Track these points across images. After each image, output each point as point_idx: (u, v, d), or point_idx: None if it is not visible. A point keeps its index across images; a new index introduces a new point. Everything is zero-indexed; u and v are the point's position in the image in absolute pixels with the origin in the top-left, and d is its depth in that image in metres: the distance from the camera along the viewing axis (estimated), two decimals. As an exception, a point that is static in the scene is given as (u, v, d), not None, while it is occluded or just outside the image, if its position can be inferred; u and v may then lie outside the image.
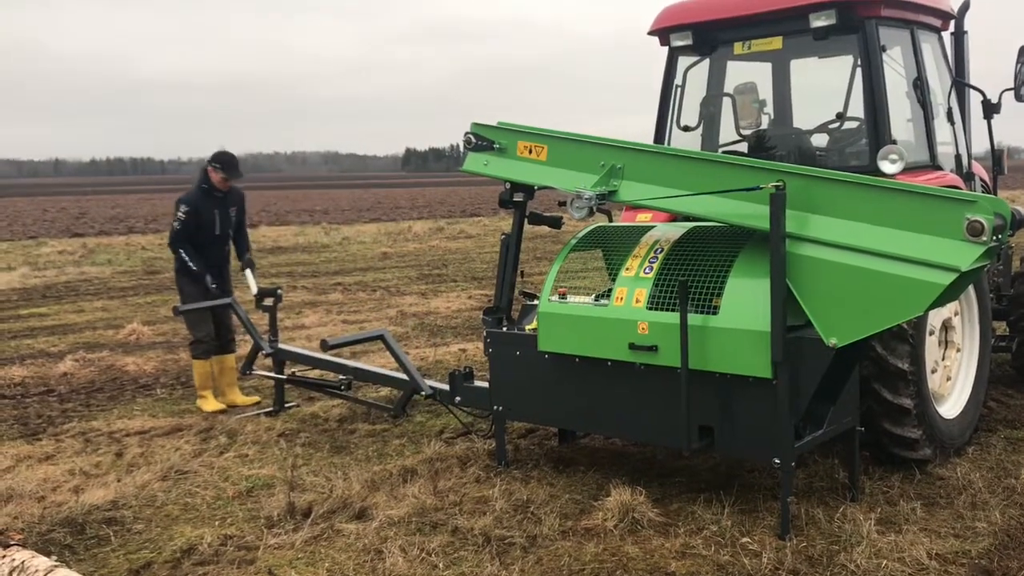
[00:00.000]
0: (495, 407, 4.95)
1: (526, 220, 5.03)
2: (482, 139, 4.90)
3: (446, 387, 5.44)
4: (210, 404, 6.52)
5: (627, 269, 4.41)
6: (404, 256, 17.81)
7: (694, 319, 4.05)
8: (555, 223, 5.16)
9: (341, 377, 6.11)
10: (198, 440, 5.79)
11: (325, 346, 5.84)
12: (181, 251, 6.45)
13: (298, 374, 6.47)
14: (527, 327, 4.88)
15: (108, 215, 34.96)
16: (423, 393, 5.60)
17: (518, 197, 4.92)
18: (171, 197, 52.39)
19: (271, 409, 6.47)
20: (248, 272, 6.72)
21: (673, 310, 4.16)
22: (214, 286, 6.49)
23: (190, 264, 6.45)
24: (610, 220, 5.22)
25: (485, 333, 4.94)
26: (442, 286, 13.18)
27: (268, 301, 6.55)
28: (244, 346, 7.75)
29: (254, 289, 6.59)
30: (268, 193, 57.77)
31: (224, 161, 6.49)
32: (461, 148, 5.13)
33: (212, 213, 6.49)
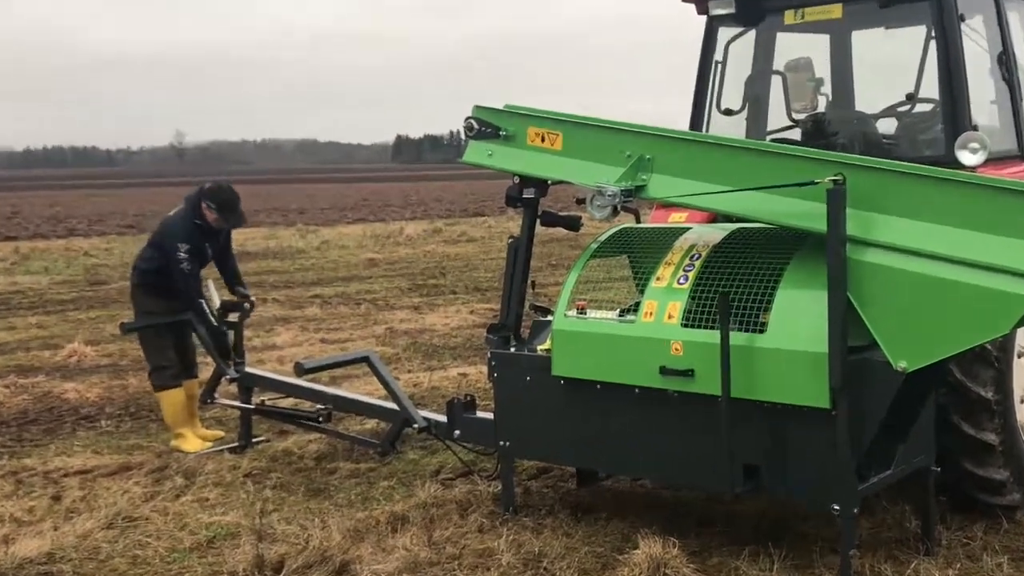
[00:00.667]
0: (501, 442, 4.96)
1: (538, 221, 5.04)
2: (486, 125, 4.91)
3: (443, 419, 5.45)
4: (191, 442, 6.51)
5: (658, 279, 4.42)
6: (394, 263, 17.88)
7: (737, 338, 4.05)
8: (572, 224, 5.18)
9: (319, 407, 6.13)
10: (150, 481, 5.81)
11: (300, 370, 5.86)
12: (201, 302, 6.43)
13: (268, 403, 6.50)
14: (539, 347, 4.89)
15: (45, 215, 35.19)
16: (416, 426, 5.61)
17: (528, 193, 4.94)
18: (119, 194, 52.73)
19: (236, 444, 6.49)
20: (210, 283, 6.76)
21: (712, 327, 4.16)
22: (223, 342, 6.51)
23: (210, 319, 6.44)
24: (638, 221, 5.23)
25: (489, 354, 4.95)
26: (439, 299, 13.21)
27: (233, 316, 6.58)
28: (205, 370, 7.77)
29: (216, 302, 6.62)
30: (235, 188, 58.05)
31: (223, 203, 6.42)
32: (462, 136, 5.14)
33: (204, 248, 6.53)
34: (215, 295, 6.71)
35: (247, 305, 6.61)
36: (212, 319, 6.47)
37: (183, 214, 6.52)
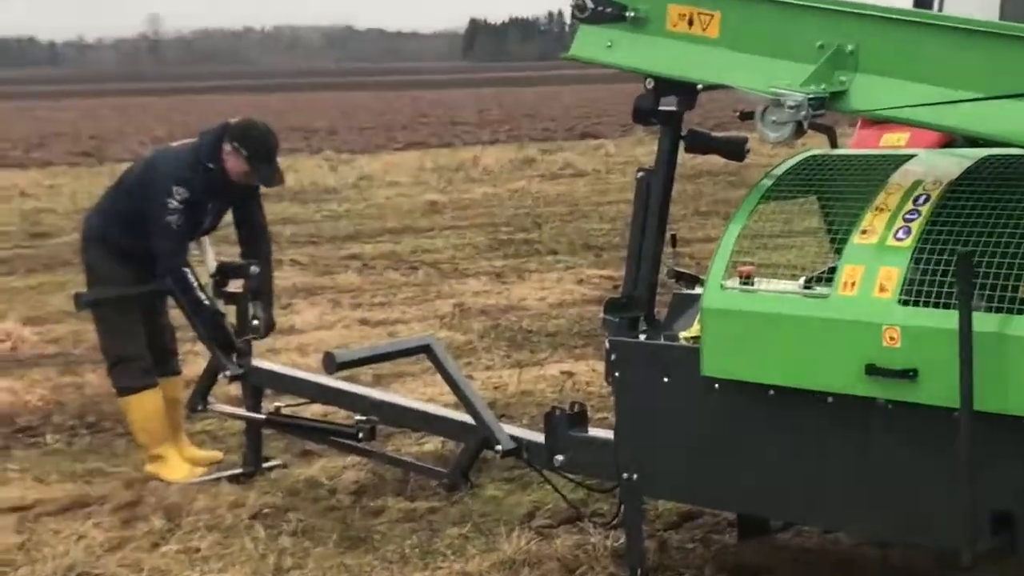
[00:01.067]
0: (625, 474, 4.97)
1: (682, 146, 5.02)
2: (604, 2, 4.90)
3: (540, 438, 5.48)
4: (174, 468, 6.62)
5: (864, 232, 4.37)
6: (466, 209, 17.98)
7: (984, 321, 3.99)
8: (734, 151, 5.15)
9: (358, 418, 6.19)
10: (116, 523, 5.94)
11: (332, 364, 5.92)
12: (186, 272, 6.46)
13: (285, 411, 6.60)
14: (682, 334, 4.89)
15: (-35, 138, 36.06)
16: (499, 448, 5.64)
17: (668, 105, 4.92)
18: (68, 106, 53.84)
19: (239, 471, 6.60)
20: (204, 240, 6.84)
21: (946, 306, 4.10)
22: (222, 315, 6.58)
23: (199, 295, 6.46)
24: (833, 145, 5.17)
25: (608, 344, 4.95)
26: (531, 262, 13.25)
27: (235, 286, 6.68)
28: (192, 365, 7.93)
29: (211, 264, 6.73)
30: (234, 98, 58.93)
31: (255, 146, 6.39)
32: (567, 19, 5.14)
33: (205, 208, 6.57)
34: (210, 254, 6.81)
35: (253, 269, 6.65)
36: (202, 296, 6.49)
37: (191, 149, 6.57)
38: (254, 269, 6.64)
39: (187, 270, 6.47)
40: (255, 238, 6.81)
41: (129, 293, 6.63)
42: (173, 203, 6.36)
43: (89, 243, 6.75)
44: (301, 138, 33.40)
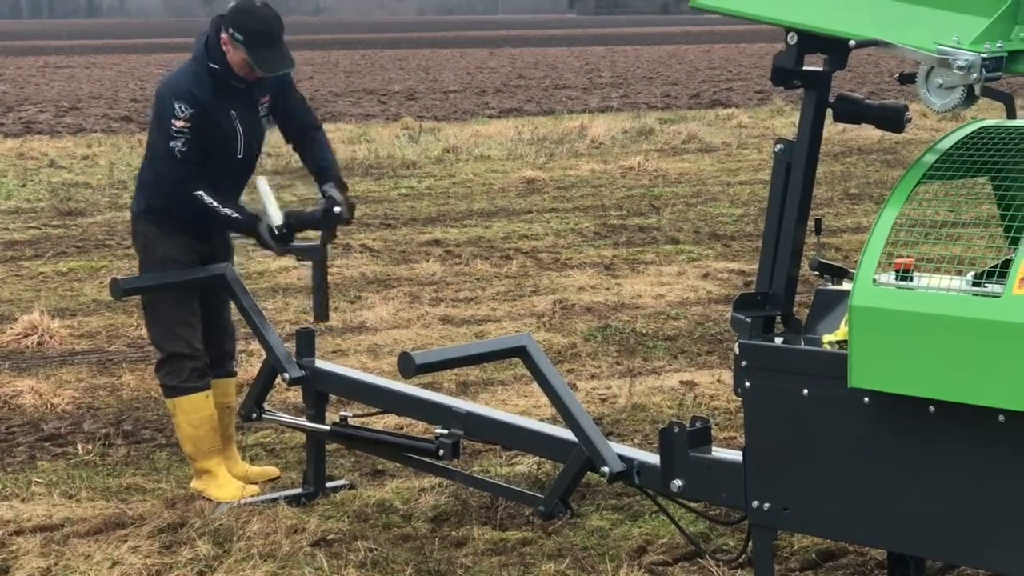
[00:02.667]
0: (755, 503, 4.97)
1: (830, 114, 5.01)
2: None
3: (654, 460, 5.49)
4: (224, 486, 6.71)
5: (1046, 220, 4.33)
6: (570, 188, 17.97)
7: None
8: (891, 120, 5.11)
9: (438, 431, 6.23)
10: (155, 547, 6.02)
11: (409, 367, 5.95)
12: (202, 193, 6.49)
13: (353, 422, 6.65)
14: (826, 338, 4.89)
15: (-13, 99, 36.53)
16: (606, 470, 5.65)
17: (812, 65, 4.91)
18: (107, 64, 54.53)
19: (299, 491, 6.67)
20: (259, 180, 6.76)
21: None
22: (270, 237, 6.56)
23: (221, 210, 6.49)
24: (1011, 116, 5.11)
25: (737, 348, 4.96)
26: (648, 252, 13.22)
27: (301, 261, 6.68)
28: (246, 368, 8.02)
29: (275, 216, 6.56)
30: (297, 53, 59.23)
31: (252, 29, 6.43)
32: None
33: (228, 116, 6.62)
34: (272, 202, 6.66)
35: (338, 215, 6.62)
36: (230, 210, 6.47)
37: (191, 58, 6.66)
38: (332, 225, 6.70)
39: (201, 192, 6.47)
40: (308, 140, 6.84)
41: (175, 280, 6.70)
42: (177, 124, 6.42)
43: (137, 219, 6.83)
44: (375, 102, 33.50)
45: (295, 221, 6.65)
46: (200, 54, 6.58)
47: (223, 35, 6.49)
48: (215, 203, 6.49)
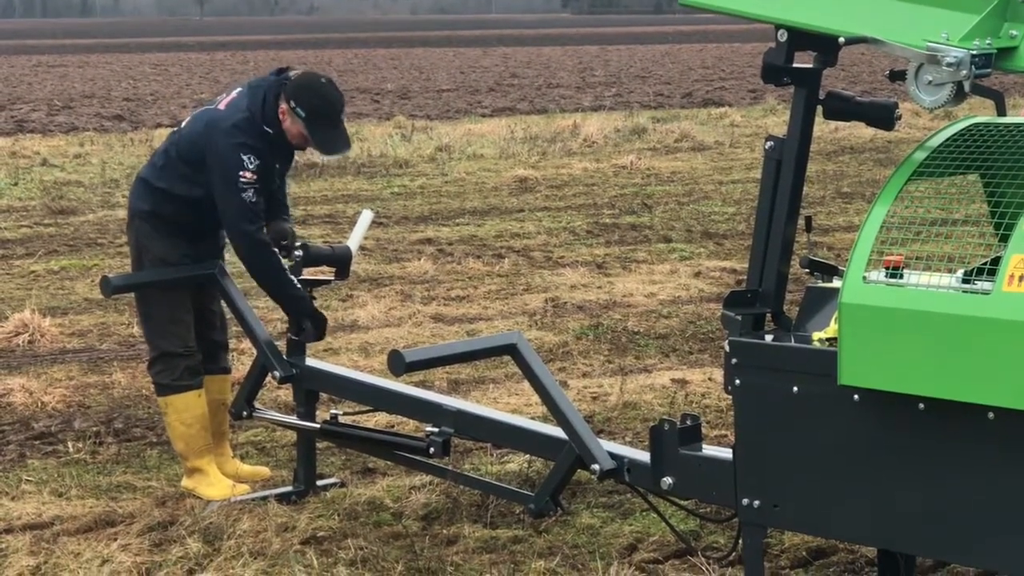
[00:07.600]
0: (744, 500, 4.97)
1: (820, 111, 5.01)
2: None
3: (645, 457, 5.49)
4: (215, 484, 6.72)
5: (1036, 217, 4.33)
6: (562, 187, 17.97)
7: None
8: (881, 118, 5.13)
9: (428, 429, 6.23)
10: (145, 545, 6.02)
11: (400, 365, 5.95)
12: (277, 251, 6.55)
13: (343, 420, 6.65)
14: (816, 335, 4.89)
15: (-23, 97, 36.50)
16: (597, 468, 5.65)
17: (803, 62, 4.91)
18: (99, 63, 54.50)
19: (289, 490, 6.68)
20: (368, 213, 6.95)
21: None
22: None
23: (288, 278, 6.55)
24: (1001, 113, 5.12)
25: (728, 346, 4.96)
26: (640, 250, 13.23)
27: (313, 272, 6.78)
28: (239, 367, 8.01)
29: (354, 247, 6.78)
30: (285, 53, 59.26)
31: (318, 108, 6.46)
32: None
33: (273, 171, 6.69)
34: (360, 234, 6.90)
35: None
36: (295, 291, 6.58)
37: (246, 110, 6.57)
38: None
39: (276, 251, 6.55)
40: (282, 195, 6.94)
41: (166, 278, 6.71)
42: (247, 176, 6.43)
43: (135, 219, 6.80)
44: (369, 101, 33.55)
45: (314, 255, 6.79)
46: (257, 111, 6.53)
47: (283, 105, 6.50)
48: (285, 269, 6.57)
